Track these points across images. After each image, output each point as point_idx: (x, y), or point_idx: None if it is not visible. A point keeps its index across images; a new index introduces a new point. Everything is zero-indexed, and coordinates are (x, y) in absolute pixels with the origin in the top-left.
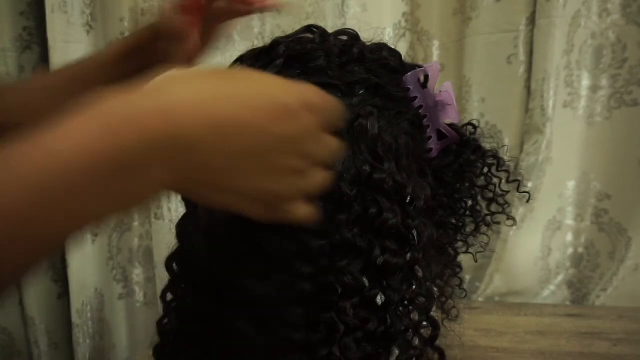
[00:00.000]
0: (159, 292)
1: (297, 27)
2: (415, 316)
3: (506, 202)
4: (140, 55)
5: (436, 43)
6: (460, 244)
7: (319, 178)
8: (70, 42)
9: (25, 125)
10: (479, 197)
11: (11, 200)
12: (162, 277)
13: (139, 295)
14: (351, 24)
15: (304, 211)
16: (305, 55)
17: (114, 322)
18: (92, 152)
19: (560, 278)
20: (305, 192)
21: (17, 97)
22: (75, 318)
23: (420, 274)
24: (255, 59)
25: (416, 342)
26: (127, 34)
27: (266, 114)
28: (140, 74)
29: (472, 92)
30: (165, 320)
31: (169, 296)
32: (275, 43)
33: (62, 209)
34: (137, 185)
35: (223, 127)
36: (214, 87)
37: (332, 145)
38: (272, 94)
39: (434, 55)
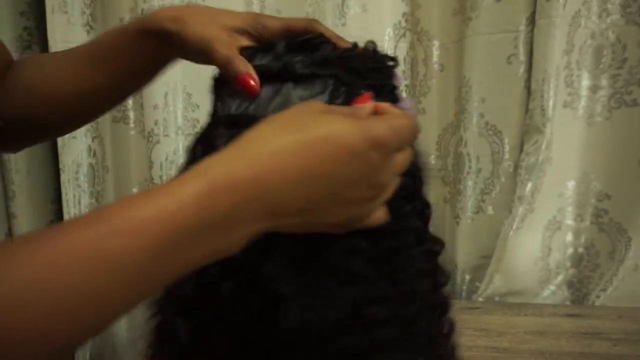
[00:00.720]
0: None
1: None
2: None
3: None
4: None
5: (436, 43)
6: None
7: (392, 189)
8: (70, 42)
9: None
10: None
11: (121, 249)
12: None
13: None
14: (351, 24)
15: (377, 217)
16: (342, 57)
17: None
18: (196, 211)
19: (560, 278)
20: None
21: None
22: None
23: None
24: (293, 52)
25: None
26: None
27: (333, 161)
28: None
29: (472, 92)
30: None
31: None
32: (309, 42)
33: (166, 258)
34: (231, 238)
35: (297, 178)
36: (288, 142)
37: (402, 165)
38: (338, 139)
39: (434, 55)
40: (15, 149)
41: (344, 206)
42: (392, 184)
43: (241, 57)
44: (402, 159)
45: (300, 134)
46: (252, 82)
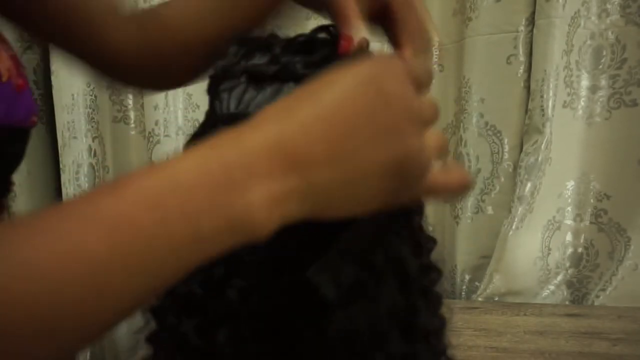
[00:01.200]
0: None
1: (297, 28)
2: None
3: None
4: None
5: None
6: None
7: (436, 138)
8: None
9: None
10: None
11: (117, 208)
12: None
13: None
14: None
15: (459, 175)
16: (341, 58)
17: None
18: (194, 164)
19: (559, 278)
20: (430, 155)
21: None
22: None
23: None
24: (292, 52)
25: None
26: None
27: (342, 89)
28: None
29: (472, 93)
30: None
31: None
32: (314, 40)
33: (174, 222)
34: (247, 200)
35: (310, 116)
36: (293, 96)
37: (428, 105)
38: (345, 71)
39: (434, 56)
40: (154, 89)
41: (378, 137)
42: (428, 117)
43: (358, 16)
44: (425, 101)
45: (305, 89)
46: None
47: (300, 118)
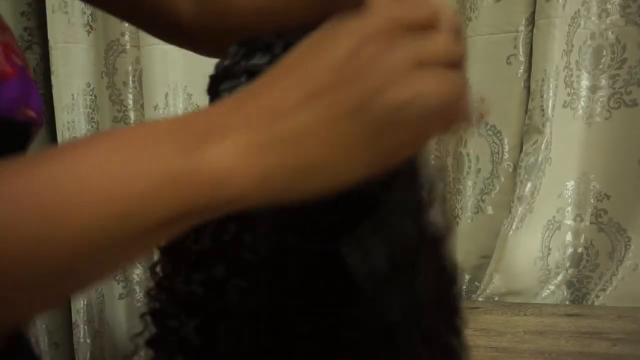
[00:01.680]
0: None
1: None
2: None
3: None
4: None
5: None
6: None
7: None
8: (71, 43)
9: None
10: None
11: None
12: None
13: (139, 294)
14: None
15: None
16: None
17: (114, 322)
18: (170, 122)
19: (559, 278)
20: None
21: None
22: (75, 318)
23: None
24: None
25: None
26: (127, 35)
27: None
28: None
29: (472, 92)
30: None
31: None
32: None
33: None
34: (214, 153)
35: (274, 71)
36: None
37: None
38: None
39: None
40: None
41: (339, 81)
42: (423, 52)
43: None
44: (408, 42)
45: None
46: None
47: (254, 86)
